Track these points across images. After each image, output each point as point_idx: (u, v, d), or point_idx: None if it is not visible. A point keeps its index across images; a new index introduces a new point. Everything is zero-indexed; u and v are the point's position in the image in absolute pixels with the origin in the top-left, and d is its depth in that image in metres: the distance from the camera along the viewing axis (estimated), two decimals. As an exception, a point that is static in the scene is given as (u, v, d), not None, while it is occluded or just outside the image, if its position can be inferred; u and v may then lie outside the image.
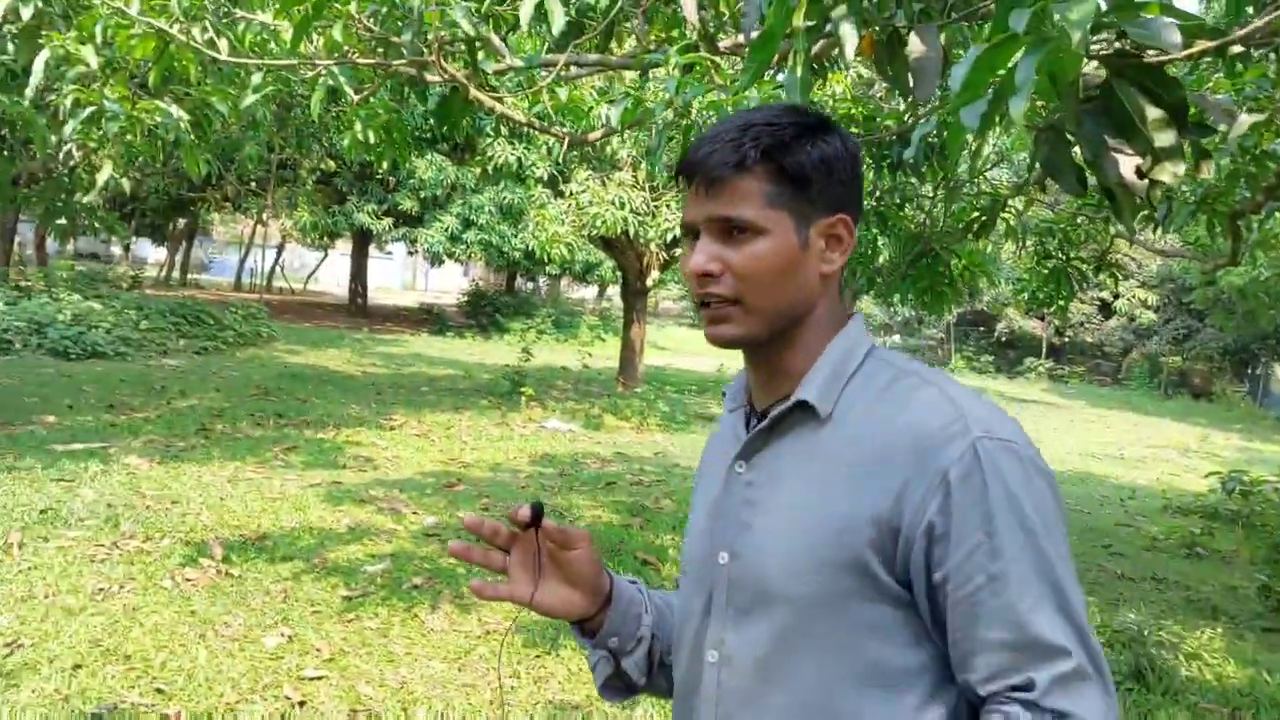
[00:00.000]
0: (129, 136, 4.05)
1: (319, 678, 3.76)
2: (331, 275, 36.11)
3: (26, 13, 5.11)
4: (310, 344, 18.05)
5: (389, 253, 39.02)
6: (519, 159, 10.73)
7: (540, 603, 1.17)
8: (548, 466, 8.58)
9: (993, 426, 0.98)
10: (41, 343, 12.77)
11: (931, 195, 6.86)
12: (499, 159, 10.63)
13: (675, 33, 3.89)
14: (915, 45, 2.10)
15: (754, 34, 3.71)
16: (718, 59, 3.22)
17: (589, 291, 40.54)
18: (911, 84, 2.17)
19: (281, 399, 10.89)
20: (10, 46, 7.60)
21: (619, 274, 14.88)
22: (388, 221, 21.84)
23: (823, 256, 1.06)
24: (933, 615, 0.99)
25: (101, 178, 4.18)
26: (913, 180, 6.52)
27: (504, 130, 10.94)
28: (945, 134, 5.34)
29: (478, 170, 11.59)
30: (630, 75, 5.53)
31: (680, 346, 27.66)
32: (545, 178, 11.28)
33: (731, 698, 1.07)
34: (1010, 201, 6.36)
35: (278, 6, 3.57)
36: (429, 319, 26.65)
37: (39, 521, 5.24)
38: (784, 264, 1.04)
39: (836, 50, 2.22)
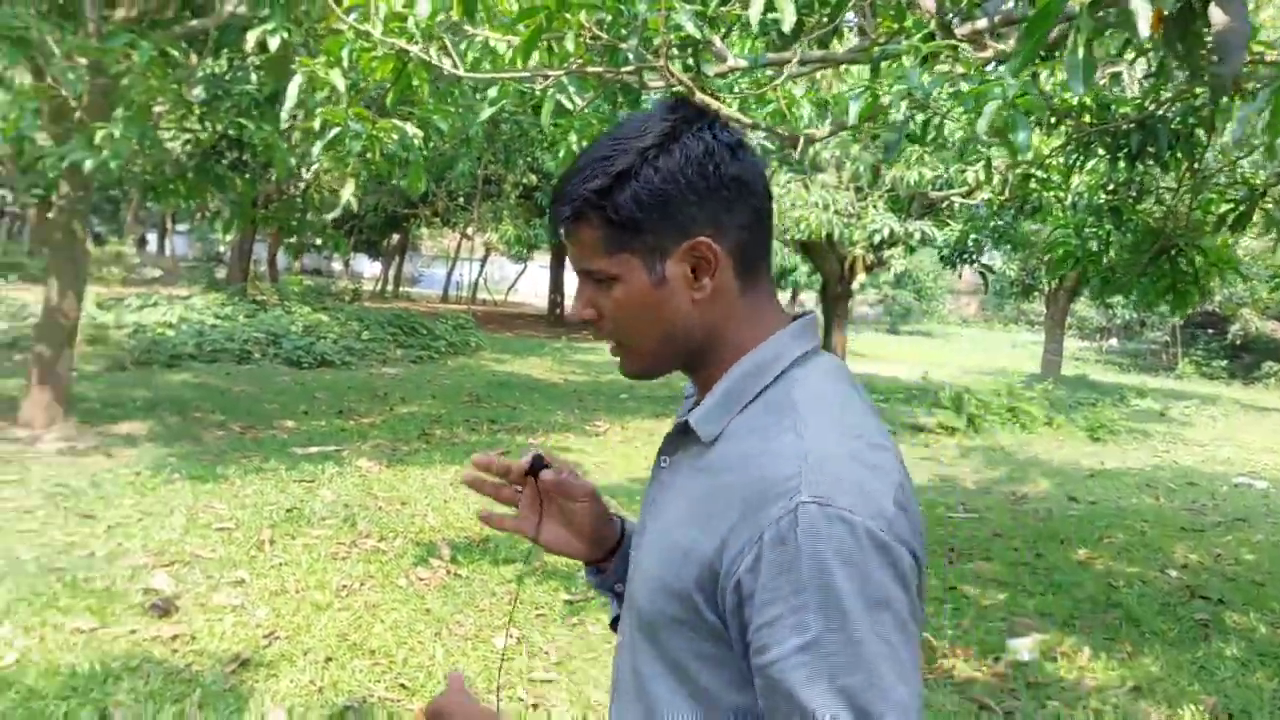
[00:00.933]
0: (368, 155, 4.26)
1: (549, 680, 3.81)
2: (530, 286, 37.39)
3: (274, 44, 5.50)
4: (514, 353, 18.69)
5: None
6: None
7: (545, 542, 1.22)
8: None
9: (831, 491, 0.88)
10: (277, 352, 13.78)
11: (1175, 187, 6.32)
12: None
13: (908, 23, 3.72)
14: (1217, 17, 1.87)
15: (997, 17, 3.49)
16: (962, 45, 3.04)
17: (784, 296, 40.19)
18: (1214, 60, 1.94)
19: (492, 406, 11.29)
20: (254, 76, 8.28)
21: (816, 278, 14.58)
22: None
23: (691, 285, 1.01)
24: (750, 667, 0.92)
25: (345, 195, 4.42)
26: (1153, 171, 6.02)
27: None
28: (1195, 120, 4.90)
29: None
30: (817, 73, 5.37)
31: (877, 352, 26.91)
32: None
33: (615, 690, 1.11)
34: (1270, 192, 5.77)
35: (508, 21, 3.65)
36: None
37: (285, 520, 5.60)
38: (643, 306, 1.01)
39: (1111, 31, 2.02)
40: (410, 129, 4.31)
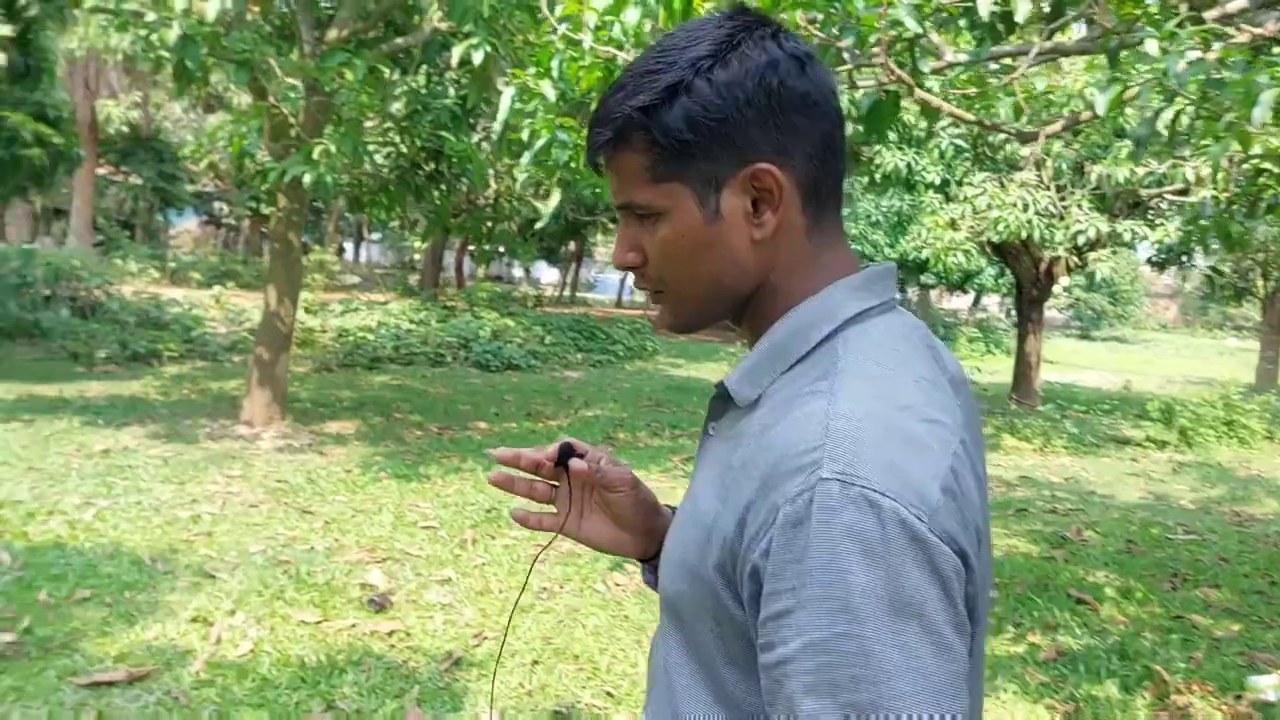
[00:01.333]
0: (573, 164, 4.31)
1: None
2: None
3: (477, 58, 5.66)
4: (690, 357, 18.74)
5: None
6: (909, 164, 10.37)
7: (588, 538, 1.08)
8: (946, 487, 8.13)
9: (858, 467, 0.72)
10: (467, 356, 14.31)
11: None
12: (887, 166, 10.33)
13: (1150, 7, 3.43)
14: None
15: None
16: (1221, 29, 2.77)
17: (960, 301, 38.73)
18: None
19: (672, 410, 11.32)
20: (452, 90, 8.60)
21: (1007, 281, 13.90)
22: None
23: (750, 220, 0.86)
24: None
25: (551, 204, 4.50)
26: None
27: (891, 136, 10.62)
28: None
29: (864, 179, 11.35)
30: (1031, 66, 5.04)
31: (1070, 359, 25.50)
32: (937, 183, 10.82)
33: (648, 686, 0.98)
34: None
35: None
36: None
37: (485, 520, 5.75)
38: (693, 244, 0.86)
39: None
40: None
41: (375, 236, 38.78)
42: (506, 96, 3.78)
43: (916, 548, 0.71)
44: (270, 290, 8.16)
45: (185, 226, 30.68)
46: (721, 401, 0.92)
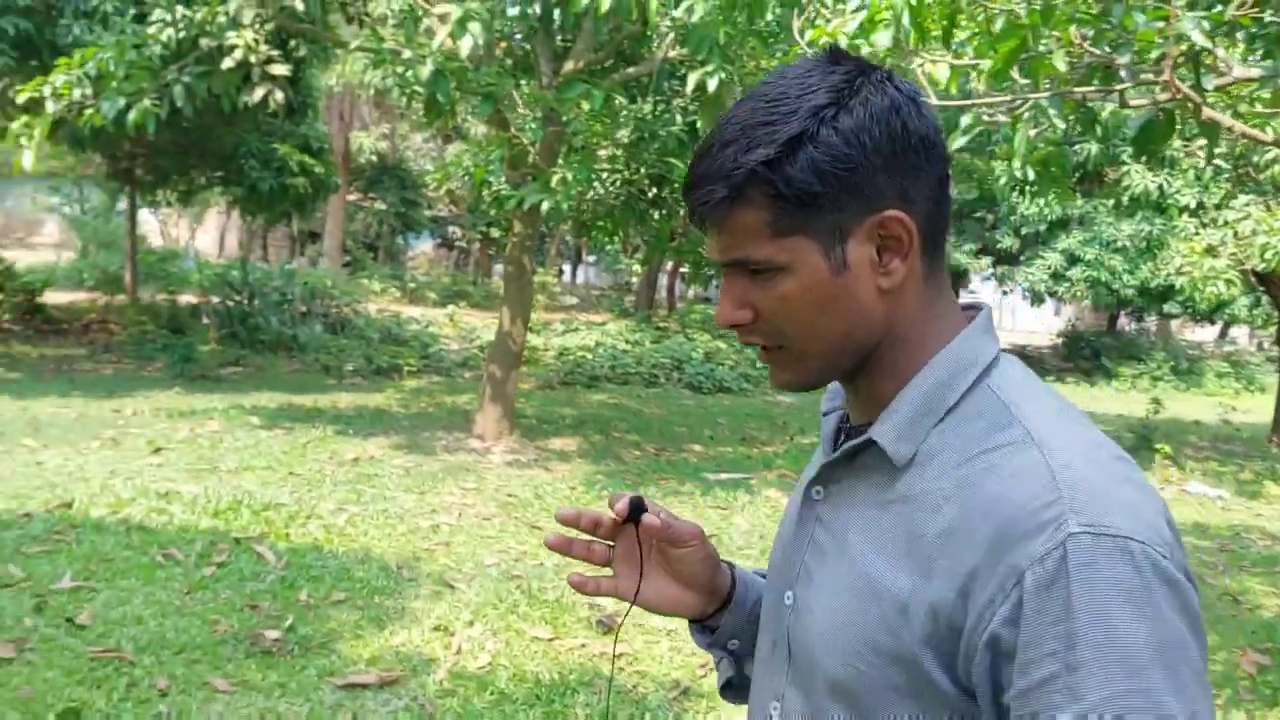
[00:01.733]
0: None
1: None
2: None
3: (712, 85, 5.70)
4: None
5: (973, 291, 38.18)
6: (1160, 186, 9.61)
7: (646, 600, 1.02)
8: (1201, 538, 7.42)
9: (1103, 515, 0.71)
10: (680, 377, 14.44)
11: None
12: (1136, 188, 9.62)
13: None
14: None
15: None
16: None
17: (1205, 332, 35.56)
18: None
19: (892, 440, 10.95)
20: (678, 117, 8.72)
21: (1262, 312, 12.61)
22: (986, 260, 21.26)
23: (876, 269, 0.83)
24: None
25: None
26: None
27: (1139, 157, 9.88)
28: None
29: (1109, 201, 10.61)
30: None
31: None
32: (1191, 206, 9.97)
33: None
34: None
35: (978, 42, 3.44)
36: (1023, 360, 25.30)
37: (706, 546, 5.73)
38: (819, 298, 0.83)
39: None
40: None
41: (591, 259, 39.99)
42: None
43: (1172, 590, 0.70)
44: (504, 311, 8.52)
45: (421, 249, 32.71)
46: (846, 461, 0.88)
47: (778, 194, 0.80)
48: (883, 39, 3.42)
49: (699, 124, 8.07)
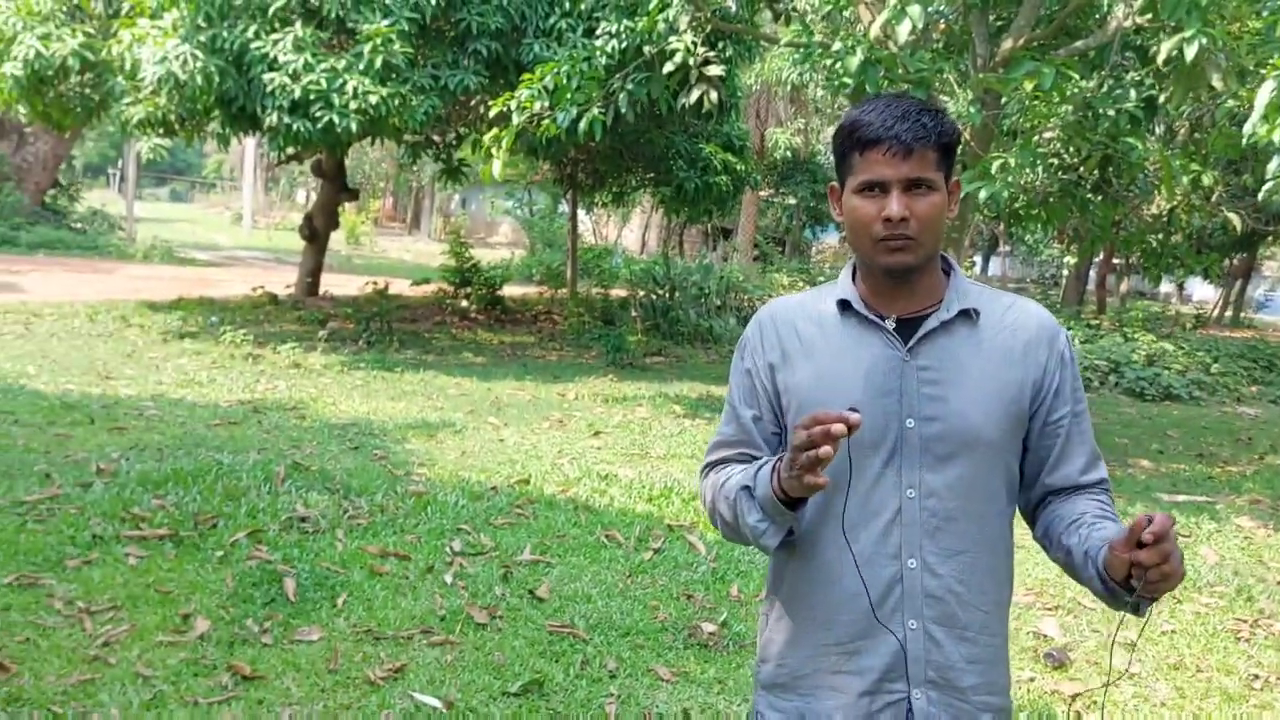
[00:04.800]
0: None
1: None
2: None
3: (1190, 52, 4.96)
4: None
5: None
6: None
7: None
8: None
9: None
10: (1118, 381, 13.03)
11: None
12: None
13: None
14: None
15: None
16: None
17: None
18: None
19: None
20: (1133, 93, 7.76)
21: None
22: None
23: (949, 206, 1.50)
24: (1036, 441, 1.56)
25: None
26: None
27: None
28: None
29: None
30: None
31: None
32: None
33: (936, 517, 1.48)
34: None
35: None
36: None
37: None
38: (941, 211, 1.47)
39: None
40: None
41: (1006, 249, 37.57)
42: (1265, 90, 3.16)
43: None
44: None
45: (828, 241, 32.76)
46: (936, 331, 1.52)
47: (944, 146, 1.46)
48: None
49: (1160, 99, 7.13)
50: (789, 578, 1.58)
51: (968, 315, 1.51)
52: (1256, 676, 3.94)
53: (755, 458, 1.57)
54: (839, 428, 1.28)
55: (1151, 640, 4.24)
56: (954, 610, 1.48)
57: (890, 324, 1.51)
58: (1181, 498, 6.92)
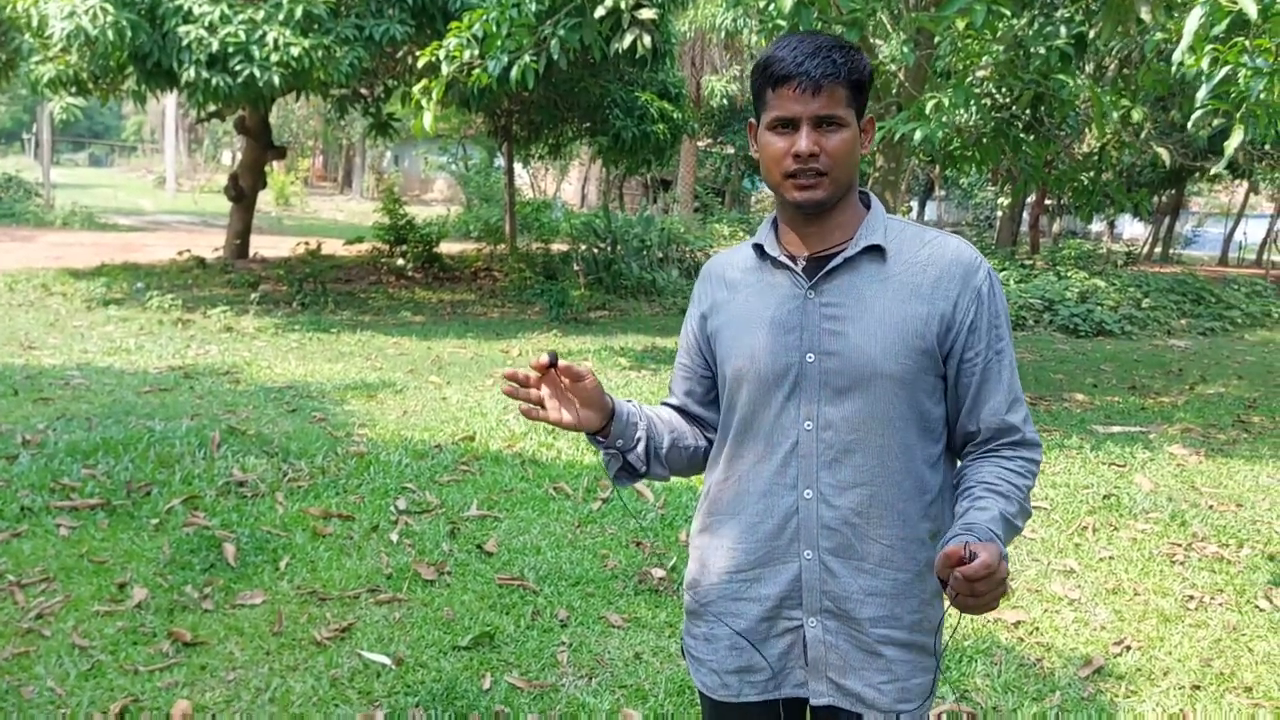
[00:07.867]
0: (1265, 96, 3.53)
1: None
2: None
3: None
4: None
5: None
6: None
7: (569, 422, 1.55)
8: None
9: (985, 260, 1.54)
10: (1052, 319, 13.29)
11: None
12: None
13: None
14: None
15: None
16: None
17: None
18: None
19: (1322, 392, 9.35)
20: (1062, 30, 7.80)
21: None
22: None
23: (862, 143, 1.50)
24: (954, 381, 1.53)
25: (1232, 144, 3.74)
26: None
27: None
28: None
29: None
30: None
31: None
32: None
33: (833, 449, 1.51)
34: None
35: None
36: None
37: (1103, 507, 5.16)
38: (853, 148, 1.47)
39: None
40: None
41: (941, 193, 37.98)
42: (1192, 19, 3.17)
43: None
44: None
45: (767, 191, 32.82)
46: (841, 266, 1.52)
47: (854, 83, 1.46)
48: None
49: (1089, 34, 7.18)
50: (704, 511, 1.66)
51: (877, 250, 1.51)
52: (1191, 597, 4.06)
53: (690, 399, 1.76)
54: (523, 373, 1.53)
55: (1090, 566, 4.34)
56: (850, 541, 1.51)
57: (801, 264, 1.54)
58: (1116, 429, 7.09)
